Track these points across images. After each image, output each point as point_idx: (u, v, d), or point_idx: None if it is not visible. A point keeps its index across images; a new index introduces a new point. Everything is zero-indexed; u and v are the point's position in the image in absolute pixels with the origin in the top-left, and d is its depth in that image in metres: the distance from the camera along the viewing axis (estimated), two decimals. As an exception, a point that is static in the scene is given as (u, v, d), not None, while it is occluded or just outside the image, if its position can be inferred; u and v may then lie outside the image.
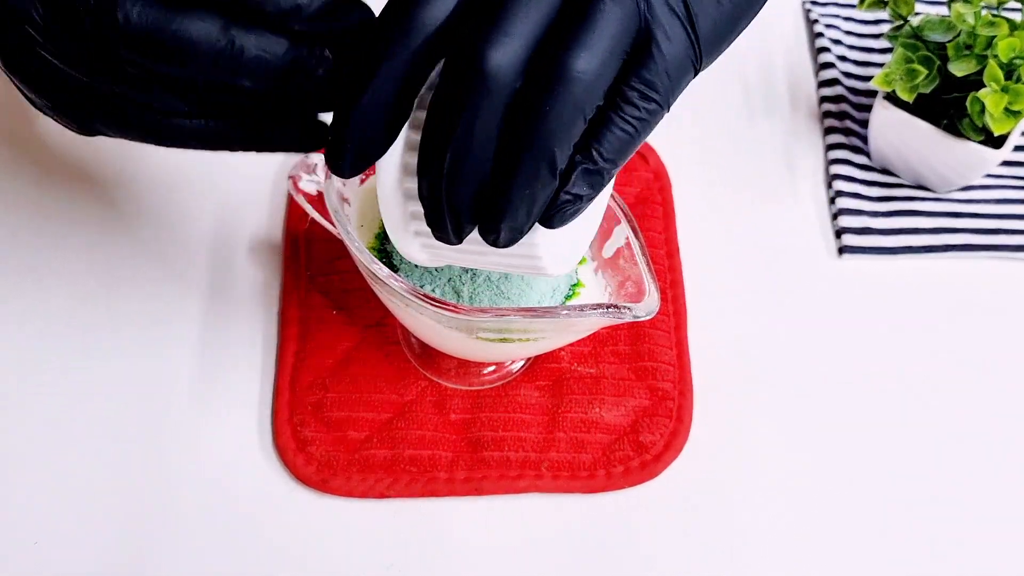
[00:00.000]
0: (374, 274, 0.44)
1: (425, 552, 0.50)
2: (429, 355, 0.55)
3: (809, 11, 0.70)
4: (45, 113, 0.41)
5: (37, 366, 0.54)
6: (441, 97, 0.34)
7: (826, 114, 0.66)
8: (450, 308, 0.43)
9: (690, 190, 0.62)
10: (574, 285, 0.49)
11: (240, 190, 0.61)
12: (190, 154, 0.61)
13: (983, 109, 0.55)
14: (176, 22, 0.35)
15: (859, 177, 0.63)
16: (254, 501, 0.51)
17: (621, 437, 0.53)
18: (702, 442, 0.53)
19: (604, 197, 0.42)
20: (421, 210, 0.37)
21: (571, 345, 0.55)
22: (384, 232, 0.49)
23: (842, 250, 0.60)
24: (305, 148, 0.41)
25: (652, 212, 0.61)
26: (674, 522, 0.51)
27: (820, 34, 0.69)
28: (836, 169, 0.63)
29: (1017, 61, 0.55)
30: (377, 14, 0.36)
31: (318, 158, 0.50)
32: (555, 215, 0.36)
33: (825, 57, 0.67)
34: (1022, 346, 0.58)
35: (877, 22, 0.70)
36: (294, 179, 0.51)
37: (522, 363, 0.55)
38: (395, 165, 0.37)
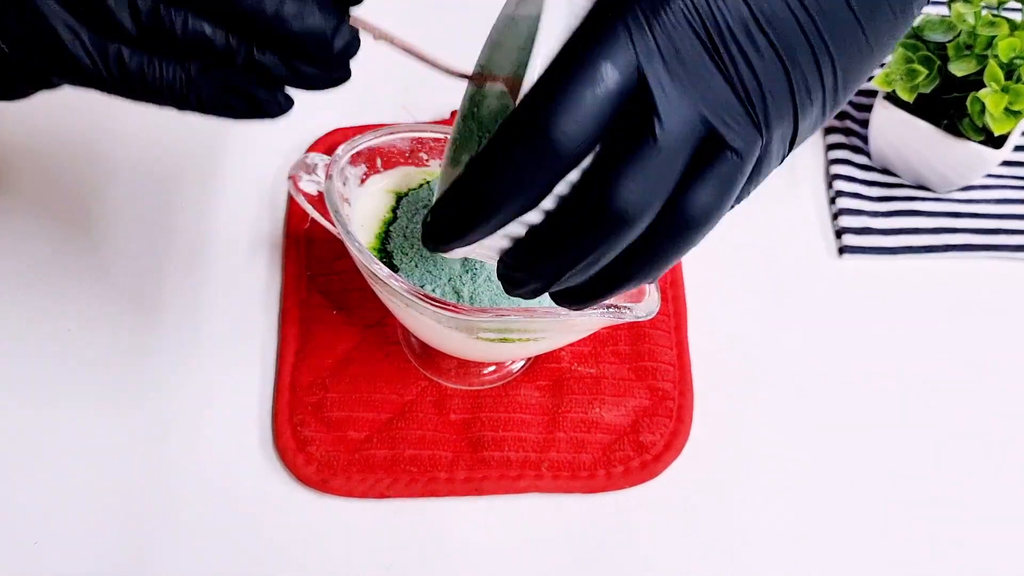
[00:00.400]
0: (374, 274, 0.44)
1: (425, 552, 0.50)
2: (429, 355, 0.55)
3: (809, 11, 0.70)
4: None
5: (37, 366, 0.54)
6: (569, 220, 0.33)
7: (826, 114, 0.65)
8: (450, 308, 0.43)
9: (690, 190, 0.62)
10: (574, 285, 0.49)
11: (240, 190, 0.60)
12: (191, 153, 0.61)
13: (983, 109, 0.55)
14: None
15: (859, 177, 0.63)
16: (254, 501, 0.51)
17: (621, 437, 0.53)
18: (702, 442, 0.53)
19: None
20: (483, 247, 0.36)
21: (571, 345, 0.55)
22: (384, 232, 0.49)
23: (842, 250, 0.60)
24: (259, 111, 0.38)
25: (652, 212, 0.61)
26: (674, 522, 0.51)
27: (820, 34, 0.69)
28: (836, 169, 0.63)
29: (1017, 61, 0.55)
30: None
31: (318, 158, 0.50)
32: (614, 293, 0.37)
33: (825, 57, 0.67)
34: (1022, 346, 0.58)
35: (877, 22, 0.70)
36: (294, 179, 0.51)
37: (522, 363, 0.55)
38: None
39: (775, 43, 0.33)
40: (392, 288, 0.44)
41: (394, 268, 0.48)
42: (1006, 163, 0.64)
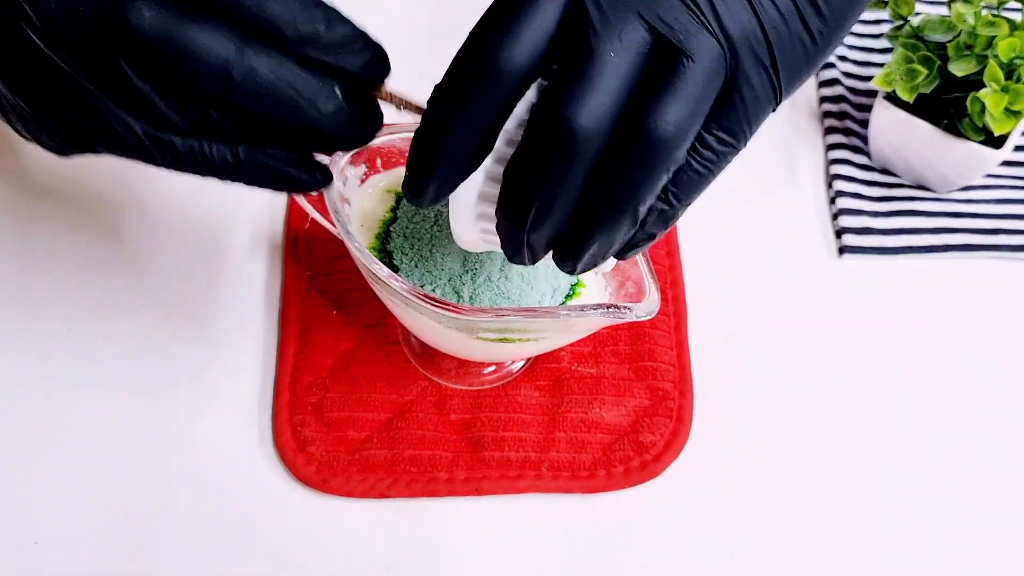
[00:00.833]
0: (374, 274, 0.44)
1: (425, 552, 0.50)
2: (429, 355, 0.55)
3: (809, 11, 0.70)
4: (22, 132, 0.39)
5: (37, 366, 0.54)
6: (527, 151, 0.34)
7: (826, 114, 0.66)
8: (450, 308, 0.43)
9: (690, 190, 0.62)
10: (574, 285, 0.49)
11: (240, 190, 0.60)
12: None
13: (983, 109, 0.55)
14: (188, 32, 0.34)
15: (859, 177, 0.63)
16: (254, 501, 0.51)
17: (621, 437, 0.53)
18: (702, 442, 0.53)
19: None
20: (493, 233, 0.37)
21: (571, 345, 0.55)
22: (384, 232, 0.49)
23: (842, 250, 0.60)
24: (299, 188, 0.40)
25: (652, 212, 0.61)
26: (674, 522, 0.51)
27: (820, 34, 0.69)
28: (836, 169, 0.63)
29: (1017, 61, 0.55)
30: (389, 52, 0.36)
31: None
32: (629, 251, 0.37)
33: (825, 57, 0.67)
34: (1022, 346, 0.58)
35: (877, 22, 0.70)
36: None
37: (522, 363, 0.55)
38: (473, 191, 0.37)
39: None
40: (392, 288, 0.44)
41: (394, 268, 0.48)
42: (1006, 163, 0.64)
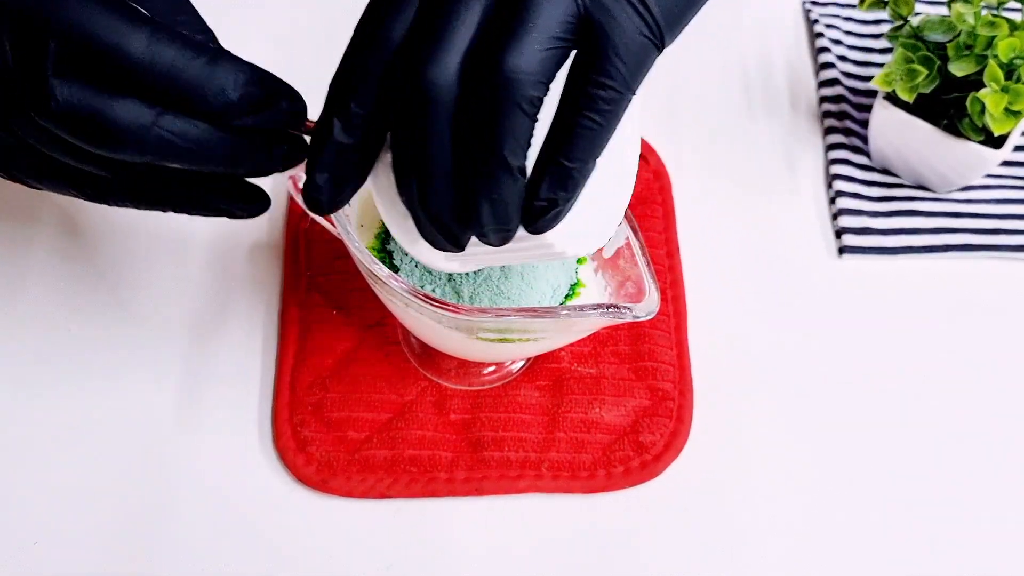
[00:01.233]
0: (374, 274, 0.44)
1: (425, 552, 0.50)
2: (429, 355, 0.55)
3: (809, 11, 0.70)
4: None
5: (37, 366, 0.54)
6: (397, 119, 0.34)
7: (826, 114, 0.66)
8: (450, 308, 0.43)
9: (690, 190, 0.62)
10: (574, 285, 0.49)
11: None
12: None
13: (983, 109, 0.55)
14: (107, 106, 0.35)
15: (859, 177, 0.63)
16: (254, 501, 0.51)
17: (621, 437, 0.53)
18: (702, 442, 0.53)
19: (631, 167, 0.41)
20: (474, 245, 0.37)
21: (571, 345, 0.55)
22: (384, 232, 0.49)
23: (842, 250, 0.60)
24: (239, 216, 0.42)
25: (652, 212, 0.61)
26: (674, 522, 0.51)
27: (820, 34, 0.69)
28: (836, 169, 0.63)
29: (1017, 61, 0.55)
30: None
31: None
32: (536, 221, 0.36)
33: (825, 57, 0.67)
34: (1022, 346, 0.58)
35: (877, 22, 0.70)
36: (294, 179, 0.51)
37: (522, 363, 0.55)
38: (389, 187, 0.38)
39: None
40: (392, 288, 0.44)
41: (394, 268, 0.48)
42: (1006, 163, 0.64)
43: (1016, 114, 0.55)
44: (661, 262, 0.59)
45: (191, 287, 0.57)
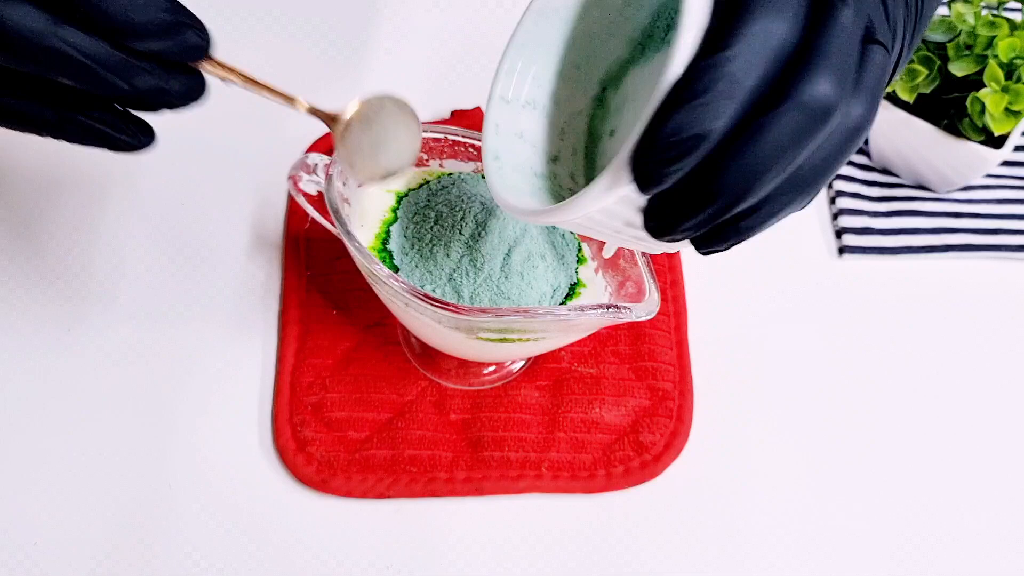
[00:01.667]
0: (374, 274, 0.44)
1: (425, 552, 0.50)
2: (429, 355, 0.55)
3: (809, 11, 0.70)
4: None
5: (36, 366, 0.54)
6: (772, 127, 0.33)
7: (826, 114, 0.65)
8: (450, 308, 0.43)
9: (690, 190, 0.62)
10: (574, 285, 0.49)
11: (240, 190, 0.60)
12: (191, 154, 0.61)
13: (983, 109, 0.55)
14: (2, 8, 0.34)
15: (859, 177, 0.63)
16: (254, 501, 0.51)
17: (621, 437, 0.53)
18: (702, 442, 0.53)
19: None
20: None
21: (571, 345, 0.55)
22: (384, 232, 0.49)
23: (842, 250, 0.60)
24: (121, 148, 0.40)
25: (652, 212, 0.61)
26: (674, 522, 0.51)
27: (820, 34, 0.69)
28: (836, 169, 0.63)
29: (1017, 61, 0.55)
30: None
31: (318, 158, 0.50)
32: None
33: (825, 57, 0.67)
34: (1022, 346, 0.58)
35: (877, 22, 0.70)
36: (294, 179, 0.51)
37: (522, 363, 0.55)
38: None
39: None
40: (392, 288, 0.44)
41: (394, 268, 0.48)
42: (1006, 163, 0.64)
43: (1016, 114, 0.55)
44: (661, 262, 0.59)
45: (190, 287, 0.57)
